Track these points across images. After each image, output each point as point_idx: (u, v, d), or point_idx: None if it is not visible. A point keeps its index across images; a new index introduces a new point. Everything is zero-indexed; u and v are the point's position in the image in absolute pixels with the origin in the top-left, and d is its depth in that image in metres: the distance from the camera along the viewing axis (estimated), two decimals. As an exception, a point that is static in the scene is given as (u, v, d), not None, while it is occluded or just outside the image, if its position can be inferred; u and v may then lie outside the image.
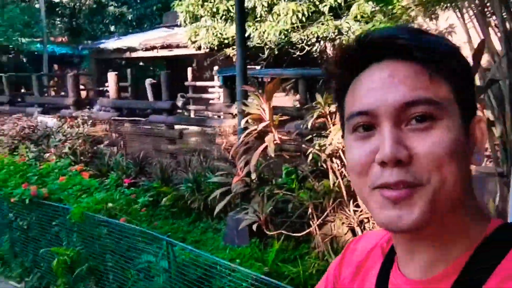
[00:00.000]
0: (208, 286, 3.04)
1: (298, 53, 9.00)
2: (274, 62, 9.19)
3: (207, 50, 10.43)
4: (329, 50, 12.68)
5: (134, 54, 14.11)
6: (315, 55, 11.97)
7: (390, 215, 0.51)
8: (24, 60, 19.93)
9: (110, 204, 3.72)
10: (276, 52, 9.26)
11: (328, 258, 3.20)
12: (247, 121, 3.54)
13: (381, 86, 0.53)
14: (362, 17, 8.22)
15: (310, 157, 3.57)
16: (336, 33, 8.65)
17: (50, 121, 7.12)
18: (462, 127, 0.53)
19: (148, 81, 11.03)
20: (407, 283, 0.56)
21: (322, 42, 9.18)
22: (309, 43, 8.94)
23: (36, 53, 18.69)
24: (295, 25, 8.69)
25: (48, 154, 5.90)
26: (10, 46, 16.68)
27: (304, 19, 8.62)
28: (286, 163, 4.39)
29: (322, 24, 8.64)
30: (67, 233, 3.64)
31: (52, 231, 3.76)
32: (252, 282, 2.88)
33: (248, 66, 11.86)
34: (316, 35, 8.77)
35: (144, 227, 3.78)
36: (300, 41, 8.87)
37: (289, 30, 8.84)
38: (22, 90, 15.91)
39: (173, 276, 3.11)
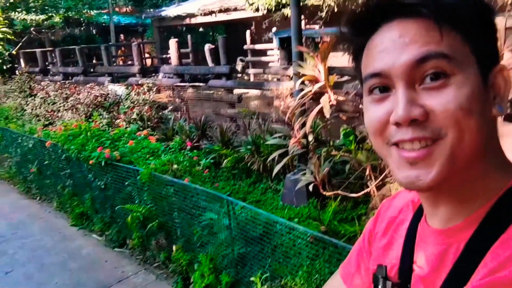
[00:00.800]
0: (267, 243, 3.19)
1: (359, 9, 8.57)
2: (332, 21, 8.84)
3: (265, 11, 10.28)
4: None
5: (193, 20, 14.29)
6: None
7: (408, 175, 0.53)
8: (94, 32, 21.05)
9: (175, 166, 3.96)
10: (335, 10, 8.89)
11: (386, 218, 3.18)
12: (302, 83, 3.52)
13: (392, 47, 0.53)
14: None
15: (368, 117, 3.50)
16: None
17: (119, 89, 7.57)
18: (480, 78, 0.52)
19: (207, 47, 11.19)
20: (432, 232, 0.59)
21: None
22: (371, -3, 8.46)
23: (103, 24, 19.65)
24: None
25: (118, 120, 6.34)
26: (81, 19, 17.62)
27: (365, -29, 8.12)
28: (344, 124, 4.34)
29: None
30: (139, 192, 3.95)
31: (126, 190, 4.10)
32: (310, 240, 2.98)
33: (307, 26, 11.55)
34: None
35: (207, 187, 4.00)
36: (361, -4, 8.43)
37: (350, -15, 8.40)
38: (94, 61, 16.95)
39: (234, 232, 3.29)
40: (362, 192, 3.42)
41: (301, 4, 8.52)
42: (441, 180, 0.52)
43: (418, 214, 0.65)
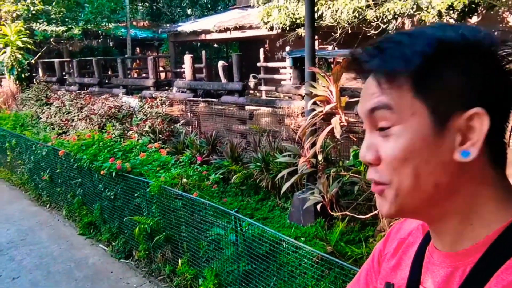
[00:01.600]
0: (273, 261, 3.18)
1: (372, 31, 8.65)
2: (346, 42, 8.95)
3: (279, 30, 10.42)
4: (407, 27, 11.99)
5: (208, 36, 14.53)
6: (392, 33, 11.41)
7: (377, 203, 0.62)
8: (111, 44, 21.50)
9: (184, 180, 3.99)
10: (349, 31, 9.00)
11: (393, 242, 3.16)
12: (314, 103, 3.56)
13: (362, 95, 0.62)
14: (444, -10, 7.65)
15: (379, 139, 3.51)
16: (414, 9, 8.16)
17: (133, 101, 7.70)
18: (431, 126, 0.55)
19: (220, 63, 11.36)
20: (439, 255, 0.62)
21: (399, 19, 8.73)
22: (385, 20, 8.55)
23: (120, 37, 20.07)
24: (370, 2, 8.35)
25: (130, 132, 6.43)
26: (99, 32, 18.03)
27: (380, -5, 8.24)
28: (354, 145, 4.35)
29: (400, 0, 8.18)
30: (147, 204, 3.99)
31: (134, 202, 4.14)
32: (316, 260, 2.97)
33: (320, 46, 11.68)
34: (393, 12, 8.36)
35: (215, 202, 4.01)
36: (375, 19, 8.51)
37: (364, 8, 8.51)
38: (109, 72, 17.27)
39: (241, 249, 3.30)
40: (370, 214, 3.41)
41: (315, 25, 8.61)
42: (396, 213, 0.60)
43: (427, 237, 0.68)
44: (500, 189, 0.58)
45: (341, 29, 9.01)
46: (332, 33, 9.22)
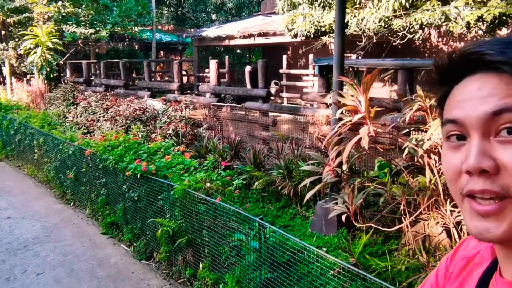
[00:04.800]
0: (295, 270, 3.16)
1: (398, 41, 8.56)
2: (371, 51, 8.88)
3: (303, 38, 10.43)
4: (434, 38, 11.82)
5: (232, 42, 14.65)
6: (418, 43, 11.25)
7: (478, 226, 0.54)
8: (136, 47, 21.91)
9: (208, 184, 4.01)
10: (375, 40, 8.93)
11: (419, 256, 3.10)
12: (342, 112, 3.53)
13: (469, 98, 0.55)
14: (474, 1, 7.52)
15: (406, 151, 3.46)
16: (442, 20, 8.04)
17: (157, 104, 7.80)
18: None
19: (247, 68, 11.43)
20: (504, 283, 0.58)
21: (426, 29, 8.62)
22: (411, 30, 8.45)
23: (146, 40, 20.45)
24: (398, 12, 8.27)
25: (154, 134, 6.51)
26: (125, 35, 18.40)
27: (407, 5, 8.15)
28: (379, 156, 4.30)
29: (428, 10, 8.08)
30: (170, 207, 4.02)
31: (157, 204, 4.19)
32: (339, 271, 2.94)
33: (345, 55, 11.61)
34: (420, 22, 8.25)
35: (237, 207, 4.02)
36: (401, 29, 8.43)
37: (390, 17, 8.44)
38: (133, 74, 17.59)
39: (263, 256, 3.28)
40: (395, 228, 3.35)
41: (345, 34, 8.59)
42: (510, 236, 0.52)
43: (495, 262, 0.64)
44: None
45: (366, 38, 8.95)
46: (357, 42, 9.17)
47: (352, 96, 3.38)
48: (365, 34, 8.87)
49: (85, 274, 4.14)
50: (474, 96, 0.54)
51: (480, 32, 8.23)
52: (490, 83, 0.53)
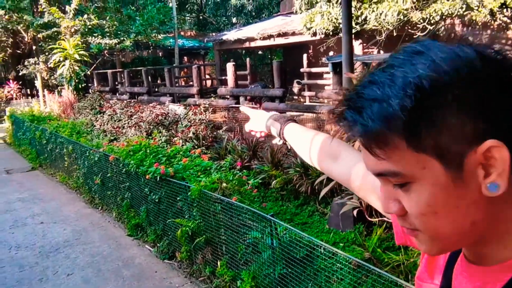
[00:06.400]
0: (309, 265, 3.20)
1: (419, 33, 8.41)
2: (391, 45, 8.76)
3: (322, 36, 10.40)
4: (458, 28, 11.50)
5: (252, 44, 14.78)
6: (440, 35, 10.99)
7: (415, 243, 0.58)
8: (160, 54, 22.42)
9: (224, 184, 4.11)
10: (394, 34, 8.81)
11: (433, 249, 3.07)
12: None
13: (362, 153, 0.56)
14: (495, -13, 7.29)
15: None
16: (464, 9, 7.84)
17: (178, 109, 8.01)
18: (447, 173, 0.50)
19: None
20: (468, 266, 0.60)
21: (447, 20, 8.42)
22: (432, 21, 8.29)
23: (169, 47, 20.90)
24: (416, 4, 8.13)
25: (176, 138, 6.69)
26: (149, 43, 18.89)
27: (425, -4, 8.00)
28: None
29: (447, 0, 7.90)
30: (189, 207, 4.15)
31: (177, 205, 4.32)
32: (353, 267, 2.96)
33: (364, 50, 11.49)
34: (440, 13, 8.08)
35: (255, 207, 4.09)
36: (421, 21, 8.28)
37: (409, 10, 8.31)
38: (158, 81, 18.01)
39: (277, 253, 3.35)
40: (409, 221, 3.33)
41: (358, 29, 8.50)
42: (437, 252, 0.58)
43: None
44: None
45: (385, 32, 8.85)
46: (377, 36, 9.07)
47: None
48: (384, 28, 8.77)
49: (111, 274, 4.33)
50: (362, 153, 0.56)
51: (505, 19, 7.97)
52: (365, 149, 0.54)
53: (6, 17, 15.00)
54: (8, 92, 18.49)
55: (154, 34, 17.35)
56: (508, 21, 8.03)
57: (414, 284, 0.75)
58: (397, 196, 0.54)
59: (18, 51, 18.98)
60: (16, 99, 18.03)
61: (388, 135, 0.49)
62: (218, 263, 3.83)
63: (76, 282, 4.21)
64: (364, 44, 11.51)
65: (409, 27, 8.56)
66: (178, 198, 4.25)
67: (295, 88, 14.78)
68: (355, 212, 3.57)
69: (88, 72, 13.65)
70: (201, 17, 26.33)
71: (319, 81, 12.80)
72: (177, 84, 16.53)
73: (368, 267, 2.80)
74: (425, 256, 0.72)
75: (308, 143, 1.08)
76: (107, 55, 16.79)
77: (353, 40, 10.58)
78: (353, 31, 9.00)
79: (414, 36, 8.54)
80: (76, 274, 4.37)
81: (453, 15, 8.14)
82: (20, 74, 16.98)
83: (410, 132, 0.48)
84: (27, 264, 4.63)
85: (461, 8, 7.80)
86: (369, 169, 0.55)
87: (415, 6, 8.26)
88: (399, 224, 0.57)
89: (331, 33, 10.00)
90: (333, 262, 3.10)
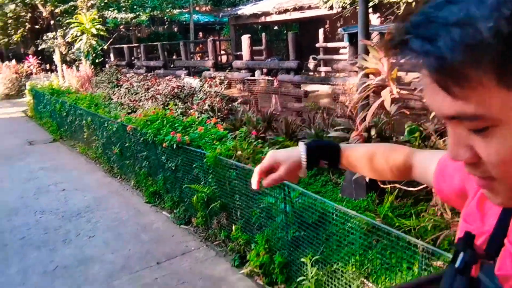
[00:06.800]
0: (320, 228, 3.30)
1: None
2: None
3: (339, 9, 10.23)
4: None
5: (268, 18, 14.61)
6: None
7: (487, 195, 0.53)
8: (175, 29, 22.36)
9: (239, 152, 4.20)
10: (413, 7, 8.61)
11: (444, 214, 3.12)
12: (366, 76, 3.56)
13: (427, 94, 0.47)
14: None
15: (433, 113, 3.44)
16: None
17: (194, 81, 8.07)
18: None
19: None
20: None
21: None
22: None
23: (184, 22, 20.80)
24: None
25: (191, 110, 6.78)
26: (165, 18, 18.84)
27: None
28: (409, 121, 4.27)
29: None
30: (204, 174, 4.26)
31: (193, 172, 4.44)
32: (362, 230, 3.04)
33: (384, 23, 11.25)
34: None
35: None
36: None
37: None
38: (174, 56, 18.05)
39: (290, 217, 3.45)
40: (422, 186, 3.37)
41: (376, 1, 8.33)
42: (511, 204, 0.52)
43: None
44: None
45: (404, 5, 8.65)
46: (396, 10, 8.88)
47: (375, 58, 3.39)
48: (403, 1, 8.58)
49: (130, 237, 4.51)
50: (428, 93, 0.48)
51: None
52: (435, 85, 0.45)
53: (24, -9, 15.14)
54: (28, 67, 18.80)
55: (169, 9, 17.28)
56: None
57: (459, 223, 0.71)
58: (470, 141, 0.47)
59: (37, 26, 19.18)
60: (36, 74, 18.32)
61: (472, 69, 0.40)
62: (233, 227, 3.96)
63: (98, 243, 4.41)
64: (382, 18, 11.28)
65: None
66: (194, 166, 4.36)
67: (311, 63, 14.64)
68: (367, 179, 3.62)
69: (105, 47, 13.76)
70: (216, -8, 25.99)
71: (335, 56, 12.65)
72: (192, 59, 16.54)
73: (379, 225, 2.87)
74: (475, 197, 0.67)
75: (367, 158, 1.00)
76: (123, 30, 16.86)
77: (371, 13, 10.39)
78: (371, 3, 8.84)
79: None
80: (97, 236, 4.57)
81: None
82: (39, 49, 17.22)
83: (503, 66, 0.39)
84: (51, 227, 4.85)
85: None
86: (437, 112, 0.46)
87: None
88: (467, 171, 0.50)
89: (348, 6, 9.82)
90: (343, 222, 3.18)
